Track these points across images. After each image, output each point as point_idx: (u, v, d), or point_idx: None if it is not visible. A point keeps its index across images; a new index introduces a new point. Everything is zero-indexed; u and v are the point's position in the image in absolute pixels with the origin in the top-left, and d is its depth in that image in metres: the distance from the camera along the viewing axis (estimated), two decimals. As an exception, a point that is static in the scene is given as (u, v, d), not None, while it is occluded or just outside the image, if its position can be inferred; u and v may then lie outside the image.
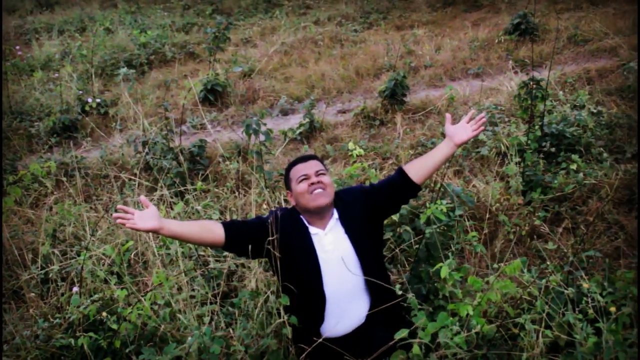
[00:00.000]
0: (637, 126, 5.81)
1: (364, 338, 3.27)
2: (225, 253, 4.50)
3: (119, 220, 2.94)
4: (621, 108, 6.46)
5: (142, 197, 3.05)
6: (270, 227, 3.18)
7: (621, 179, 5.07)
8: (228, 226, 3.21)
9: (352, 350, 3.19)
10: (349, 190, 3.55)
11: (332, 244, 3.27)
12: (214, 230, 3.17)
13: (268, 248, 3.17)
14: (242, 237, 3.21)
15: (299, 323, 3.20)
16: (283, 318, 3.14)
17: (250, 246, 3.18)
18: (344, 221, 3.33)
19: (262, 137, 5.34)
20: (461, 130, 3.37)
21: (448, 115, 3.49)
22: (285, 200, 5.04)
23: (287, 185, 3.48)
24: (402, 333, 3.06)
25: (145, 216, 2.97)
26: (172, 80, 9.48)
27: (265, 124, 5.37)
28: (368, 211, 3.37)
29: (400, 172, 3.38)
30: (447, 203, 3.76)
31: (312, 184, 3.28)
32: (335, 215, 3.34)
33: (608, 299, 3.35)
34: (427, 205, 4.32)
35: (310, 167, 3.37)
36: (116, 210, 3.03)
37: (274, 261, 3.18)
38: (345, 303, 3.26)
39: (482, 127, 3.40)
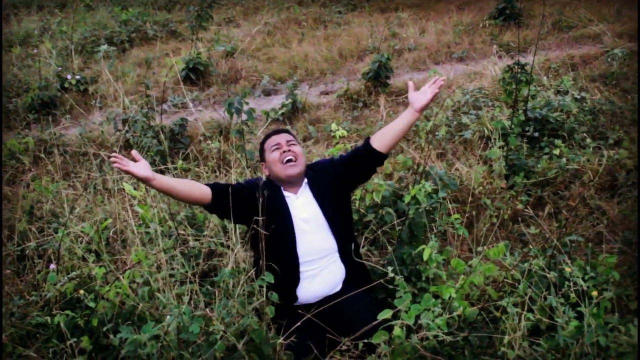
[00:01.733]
0: (629, 115, 5.81)
1: (342, 309, 3.32)
2: (205, 232, 4.46)
3: (115, 164, 3.09)
4: (604, 94, 6.45)
5: (134, 152, 3.22)
6: (257, 192, 3.26)
7: (604, 165, 5.06)
8: (213, 186, 3.43)
9: (332, 323, 3.22)
10: (319, 162, 3.78)
11: (303, 207, 3.46)
12: (202, 189, 3.37)
13: (248, 213, 3.31)
14: (226, 197, 3.35)
15: (276, 288, 3.20)
16: (264, 296, 3.10)
17: (232, 210, 3.32)
18: (313, 187, 3.53)
19: (244, 117, 5.26)
20: (420, 96, 3.48)
21: (410, 83, 3.61)
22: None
23: (262, 157, 3.69)
24: (386, 314, 3.04)
25: (139, 165, 3.17)
26: (153, 58, 9.36)
27: (247, 103, 5.29)
28: (335, 180, 3.55)
29: (365, 142, 3.54)
30: (430, 185, 3.73)
31: (284, 152, 3.50)
32: (305, 181, 3.55)
33: (590, 284, 3.34)
34: (410, 187, 4.30)
35: (282, 138, 3.60)
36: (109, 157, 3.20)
37: (254, 227, 3.29)
38: (319, 263, 3.41)
39: (438, 90, 3.49)
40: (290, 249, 3.39)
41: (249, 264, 3.77)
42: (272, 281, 3.10)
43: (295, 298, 3.40)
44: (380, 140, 3.50)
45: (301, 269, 3.39)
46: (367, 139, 3.55)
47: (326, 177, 3.57)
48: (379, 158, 3.53)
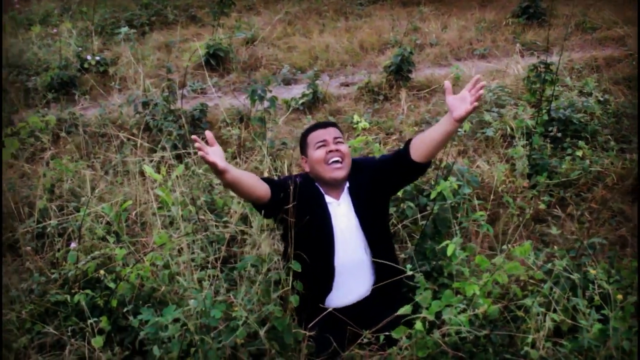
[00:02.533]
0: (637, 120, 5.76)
1: (367, 311, 3.23)
2: (225, 218, 4.45)
3: (200, 153, 2.78)
4: (628, 97, 6.41)
5: (209, 132, 2.93)
6: (292, 192, 3.01)
7: (627, 168, 5.03)
8: (270, 183, 3.12)
9: (355, 320, 3.14)
10: (362, 160, 3.47)
11: (345, 215, 3.22)
12: (263, 185, 3.08)
13: (284, 212, 3.04)
14: (281, 195, 3.06)
15: (305, 292, 3.11)
16: (290, 285, 3.07)
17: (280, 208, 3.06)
18: (353, 194, 3.27)
19: (266, 104, 5.25)
20: (459, 103, 3.00)
21: (447, 84, 3.12)
22: (298, 168, 4.97)
23: (303, 151, 3.37)
24: (405, 310, 3.02)
25: (217, 153, 2.86)
26: (175, 43, 9.34)
27: (270, 91, 5.28)
28: (375, 186, 3.28)
29: (405, 151, 3.20)
30: (460, 181, 3.70)
31: (330, 151, 3.19)
32: (347, 185, 3.27)
33: (614, 287, 3.31)
34: (432, 182, 4.28)
35: (329, 134, 3.27)
36: (192, 140, 2.89)
37: (289, 226, 3.08)
38: (352, 275, 3.24)
39: (479, 95, 3.02)
40: (327, 260, 3.20)
41: (273, 252, 3.72)
42: (299, 270, 3.03)
43: (323, 303, 3.22)
44: (418, 150, 3.15)
45: (335, 278, 3.22)
46: (407, 146, 3.20)
47: (366, 181, 3.28)
48: (418, 169, 3.25)
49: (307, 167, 3.32)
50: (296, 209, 3.00)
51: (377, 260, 3.20)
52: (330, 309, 3.10)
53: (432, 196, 3.64)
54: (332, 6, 10.87)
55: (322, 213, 3.19)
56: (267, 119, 5.55)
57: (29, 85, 8.04)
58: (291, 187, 2.96)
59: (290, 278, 3.06)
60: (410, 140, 3.22)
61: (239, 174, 2.99)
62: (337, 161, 3.18)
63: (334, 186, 3.24)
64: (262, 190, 3.05)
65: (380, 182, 3.27)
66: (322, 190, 3.24)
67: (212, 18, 8.99)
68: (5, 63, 8.77)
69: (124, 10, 11.10)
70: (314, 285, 3.17)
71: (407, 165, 3.18)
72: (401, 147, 3.26)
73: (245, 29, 9.58)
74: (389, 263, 3.20)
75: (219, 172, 2.85)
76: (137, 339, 3.20)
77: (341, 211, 3.22)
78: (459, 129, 5.36)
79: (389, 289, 3.23)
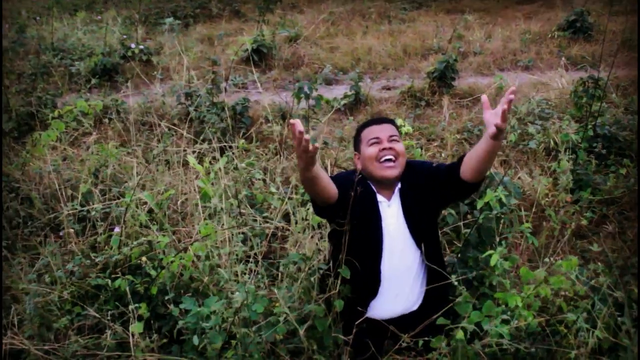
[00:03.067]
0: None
1: (412, 325, 3.01)
2: (265, 214, 4.46)
3: (305, 136, 2.53)
4: (674, 119, 6.31)
5: (298, 122, 2.60)
6: (352, 199, 2.90)
7: (672, 190, 4.96)
8: (338, 185, 2.97)
9: (398, 329, 3.03)
10: (418, 163, 3.30)
11: (394, 217, 3.06)
12: (332, 185, 2.93)
13: (339, 214, 2.96)
14: (344, 195, 2.92)
15: (350, 296, 3.08)
16: (337, 289, 3.02)
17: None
18: (403, 195, 3.10)
19: (312, 102, 5.25)
20: (493, 118, 2.71)
21: (484, 99, 2.85)
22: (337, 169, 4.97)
23: (356, 146, 3.23)
24: (444, 321, 3.00)
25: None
26: (221, 36, 9.39)
27: (316, 90, 5.28)
28: (426, 192, 3.11)
29: (457, 164, 3.04)
30: (506, 192, 3.65)
31: (384, 149, 3.04)
32: (399, 187, 3.13)
33: (658, 307, 3.26)
34: (479, 191, 4.24)
35: (384, 131, 3.11)
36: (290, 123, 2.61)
37: (343, 231, 3.00)
38: (400, 282, 3.08)
39: (507, 107, 2.63)
40: (374, 262, 3.03)
41: (317, 252, 3.68)
42: (348, 276, 2.98)
43: (366, 308, 3.06)
44: (467, 168, 2.97)
45: (382, 282, 3.04)
46: (459, 162, 3.03)
47: (420, 186, 3.10)
48: (467, 188, 3.04)
49: (359, 164, 3.18)
50: (347, 204, 2.92)
51: (428, 264, 3.08)
52: (372, 318, 3.05)
53: (478, 205, 3.60)
54: (376, 9, 10.86)
55: (373, 213, 3.06)
56: (311, 116, 5.55)
57: (72, 70, 8.12)
58: (352, 193, 2.85)
59: (338, 282, 3.02)
60: (464, 155, 3.06)
61: (319, 169, 2.83)
62: (389, 159, 3.04)
63: (386, 185, 3.09)
64: (333, 190, 2.94)
65: (431, 191, 3.13)
66: (374, 189, 3.11)
67: (256, 13, 9.02)
68: (49, 46, 8.88)
69: (168, 1, 11.20)
70: (359, 288, 3.08)
71: (456, 181, 3.02)
72: (455, 161, 3.12)
73: (289, 26, 9.61)
74: (439, 270, 3.10)
75: (309, 164, 2.69)
76: (176, 327, 3.20)
77: (391, 212, 3.07)
78: (504, 140, 5.33)
79: (438, 301, 3.10)
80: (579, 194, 4.86)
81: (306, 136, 2.53)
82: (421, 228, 3.10)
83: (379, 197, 3.09)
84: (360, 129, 3.23)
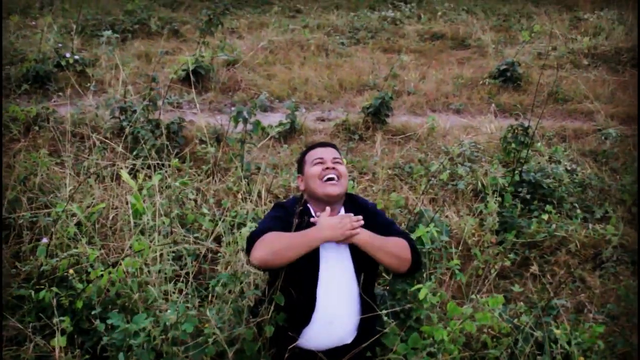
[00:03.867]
0: (637, 138, 5.90)
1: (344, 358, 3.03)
2: (196, 234, 4.43)
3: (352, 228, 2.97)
4: (594, 170, 6.60)
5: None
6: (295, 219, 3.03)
7: (589, 237, 5.18)
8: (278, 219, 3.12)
9: None
10: (362, 199, 3.42)
11: (334, 244, 3.06)
12: None
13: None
14: None
15: (283, 323, 3.09)
16: (269, 314, 3.02)
17: None
18: None
19: (249, 127, 5.27)
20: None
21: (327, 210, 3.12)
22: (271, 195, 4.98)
23: (300, 169, 3.37)
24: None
25: None
26: (162, 53, 9.32)
27: (255, 115, 5.30)
28: (371, 227, 3.11)
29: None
30: (437, 229, 3.75)
31: (327, 168, 3.17)
32: (342, 210, 3.20)
33: (575, 349, 3.39)
34: (404, 225, 4.34)
35: (328, 153, 3.28)
36: None
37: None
38: (336, 311, 3.08)
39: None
40: (309, 289, 3.04)
41: (247, 273, 3.67)
42: (282, 303, 3.01)
43: (298, 337, 3.05)
44: None
45: (316, 308, 3.03)
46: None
47: (366, 219, 3.07)
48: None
49: (302, 185, 3.29)
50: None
51: (363, 296, 3.10)
52: (307, 348, 3.07)
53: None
54: (315, 41, 10.96)
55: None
56: (246, 141, 5.56)
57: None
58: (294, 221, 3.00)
59: (272, 308, 3.02)
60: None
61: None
62: (331, 178, 3.16)
63: (327, 205, 3.15)
64: None
65: (372, 230, 3.13)
66: (312, 212, 3.17)
67: (196, 35, 9.01)
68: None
69: (107, 14, 11.06)
70: (293, 313, 3.07)
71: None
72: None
73: (228, 50, 9.61)
74: (370, 303, 3.14)
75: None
76: (100, 344, 3.14)
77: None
78: (433, 178, 5.45)
79: (369, 334, 3.14)
80: (504, 236, 5.03)
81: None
82: (362, 261, 3.12)
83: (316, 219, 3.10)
84: (304, 152, 3.38)
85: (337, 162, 3.25)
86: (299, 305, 3.06)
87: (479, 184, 5.80)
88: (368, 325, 3.16)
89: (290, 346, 2.95)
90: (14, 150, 5.56)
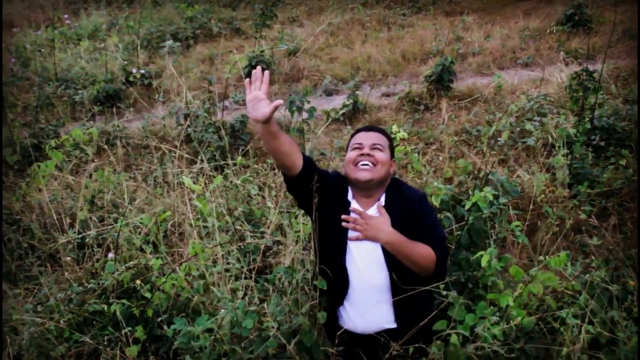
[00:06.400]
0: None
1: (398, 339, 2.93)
2: (262, 229, 4.47)
3: (253, 94, 2.76)
4: (675, 105, 6.24)
5: (262, 71, 2.82)
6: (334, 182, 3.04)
7: (672, 177, 4.91)
8: (306, 158, 2.97)
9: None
10: (411, 190, 3.22)
11: None
12: (298, 156, 2.92)
13: (318, 202, 2.93)
14: (312, 175, 2.89)
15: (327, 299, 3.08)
16: (317, 299, 3.03)
17: (308, 192, 2.92)
18: (387, 210, 3.03)
19: (305, 115, 5.27)
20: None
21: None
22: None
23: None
24: (441, 325, 2.98)
25: (264, 102, 2.75)
26: (217, 55, 9.45)
27: (309, 102, 5.30)
28: (410, 225, 3.02)
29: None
30: (495, 192, 3.63)
31: (362, 154, 3.03)
32: (382, 201, 3.08)
33: (654, 298, 3.23)
34: (470, 192, 4.23)
35: (369, 138, 3.12)
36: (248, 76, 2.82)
37: (314, 227, 3.03)
38: (368, 298, 3.01)
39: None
40: (339, 265, 3.00)
41: (307, 263, 3.69)
42: (325, 287, 2.99)
43: (337, 319, 3.05)
44: None
45: (349, 292, 3.00)
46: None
47: (402, 212, 3.03)
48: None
49: (344, 170, 3.19)
50: (321, 202, 2.93)
51: (400, 292, 2.97)
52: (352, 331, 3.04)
53: (466, 206, 3.59)
54: (374, 17, 10.86)
55: (339, 214, 3.01)
56: (306, 129, 5.56)
57: (76, 99, 8.20)
58: (315, 180, 2.86)
59: (317, 293, 3.02)
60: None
61: (279, 130, 2.87)
62: (366, 164, 3.02)
63: (365, 193, 3.07)
64: (297, 159, 2.91)
65: (416, 228, 3.05)
66: (350, 195, 3.10)
67: (254, 30, 9.06)
68: (53, 77, 8.99)
69: (169, 24, 11.28)
70: (330, 292, 3.06)
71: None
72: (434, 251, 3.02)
73: (288, 40, 9.64)
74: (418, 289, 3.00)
75: (263, 119, 2.74)
76: (172, 348, 3.23)
77: None
78: (499, 139, 5.30)
79: (420, 317, 2.98)
80: (577, 189, 4.83)
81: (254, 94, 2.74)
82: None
83: (354, 204, 3.06)
84: (351, 136, 3.25)
85: (377, 149, 3.08)
86: (334, 283, 3.02)
87: (550, 137, 5.58)
88: (409, 312, 3.03)
89: (339, 332, 2.92)
90: (88, 172, 5.75)
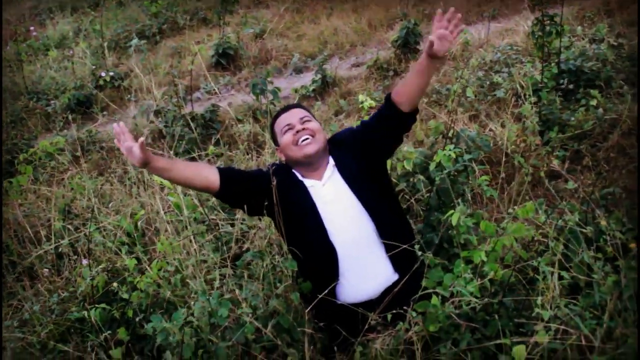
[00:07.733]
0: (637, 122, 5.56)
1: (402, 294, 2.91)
2: (237, 216, 4.45)
3: (117, 141, 2.88)
4: (644, 38, 6.19)
5: (121, 124, 2.90)
6: (268, 179, 2.98)
7: (644, 111, 4.87)
8: (224, 172, 3.03)
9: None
10: (341, 133, 3.31)
11: (332, 194, 3.03)
12: (209, 175, 3.00)
13: (267, 205, 2.96)
14: (238, 185, 3.02)
15: (314, 287, 3.04)
16: (291, 281, 3.02)
17: (246, 200, 3.06)
18: (341, 168, 3.08)
19: (270, 96, 5.24)
20: (439, 42, 2.81)
21: (438, 12, 2.95)
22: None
23: (275, 141, 3.27)
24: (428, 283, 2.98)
25: (135, 147, 2.81)
26: (182, 48, 9.38)
27: (272, 82, 5.26)
28: (364, 152, 3.09)
29: (386, 101, 3.02)
30: (459, 148, 3.60)
31: (298, 131, 3.06)
32: (332, 162, 3.09)
33: (628, 236, 3.21)
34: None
35: (294, 116, 3.15)
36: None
37: (277, 219, 3.05)
38: (362, 258, 3.01)
39: (459, 30, 2.88)
40: (323, 242, 2.98)
41: (277, 245, 3.69)
42: (295, 268, 3.01)
43: (333, 294, 3.01)
44: (402, 98, 2.94)
45: (340, 263, 2.98)
46: (388, 97, 3.01)
47: (351, 150, 3.09)
48: (404, 117, 2.99)
49: (283, 157, 3.20)
50: (278, 202, 2.95)
51: (388, 236, 2.99)
52: (350, 302, 3.01)
53: (431, 167, 3.58)
54: (338, -14, 10.76)
55: (303, 198, 3.03)
56: (273, 110, 5.52)
57: (49, 110, 8.14)
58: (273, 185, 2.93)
59: (291, 273, 3.02)
60: (389, 94, 3.04)
61: (167, 164, 2.98)
62: (306, 139, 3.04)
63: (313, 166, 3.08)
64: (209, 176, 3.01)
65: (368, 147, 3.09)
66: (299, 176, 3.10)
67: (217, 18, 8.98)
68: (24, 91, 8.92)
69: (134, 23, 11.17)
70: (320, 276, 3.03)
71: (394, 117, 3.00)
72: (382, 104, 3.09)
73: (254, 23, 9.56)
74: (405, 233, 3.11)
75: (140, 163, 2.83)
76: (155, 346, 3.22)
77: (327, 190, 3.05)
78: (468, 95, 5.26)
79: (412, 274, 2.99)
80: (548, 135, 4.79)
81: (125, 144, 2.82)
82: (371, 195, 3.06)
83: (308, 182, 3.06)
84: (272, 124, 3.27)
85: (307, 121, 3.13)
86: (320, 264, 3.02)
87: (518, 87, 5.54)
88: (408, 258, 3.02)
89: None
90: (65, 181, 5.71)
